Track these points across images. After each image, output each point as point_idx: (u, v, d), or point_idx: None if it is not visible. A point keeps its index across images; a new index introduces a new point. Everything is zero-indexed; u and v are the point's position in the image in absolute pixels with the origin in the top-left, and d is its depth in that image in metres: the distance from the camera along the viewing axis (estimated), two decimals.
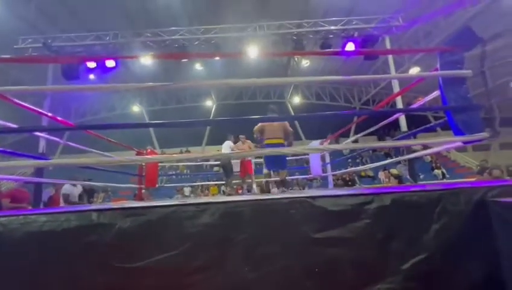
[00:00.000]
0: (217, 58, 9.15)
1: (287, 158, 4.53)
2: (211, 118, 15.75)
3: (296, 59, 13.26)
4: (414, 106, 3.44)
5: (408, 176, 4.95)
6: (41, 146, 6.56)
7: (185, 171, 13.71)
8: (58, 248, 1.13)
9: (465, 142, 1.81)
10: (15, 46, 7.98)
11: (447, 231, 1.16)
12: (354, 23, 8.20)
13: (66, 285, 1.10)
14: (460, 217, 1.17)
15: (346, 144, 4.17)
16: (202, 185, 11.51)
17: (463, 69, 1.89)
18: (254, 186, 4.36)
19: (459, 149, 15.00)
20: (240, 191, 4.18)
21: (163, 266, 1.13)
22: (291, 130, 4.00)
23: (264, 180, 5.12)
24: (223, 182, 11.30)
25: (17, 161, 1.99)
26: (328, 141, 6.08)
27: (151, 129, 16.30)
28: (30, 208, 4.62)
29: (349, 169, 6.35)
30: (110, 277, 1.12)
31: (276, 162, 3.91)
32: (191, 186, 11.52)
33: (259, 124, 3.94)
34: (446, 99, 1.84)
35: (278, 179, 4.30)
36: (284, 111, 16.86)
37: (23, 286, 1.10)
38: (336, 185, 9.72)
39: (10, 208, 4.12)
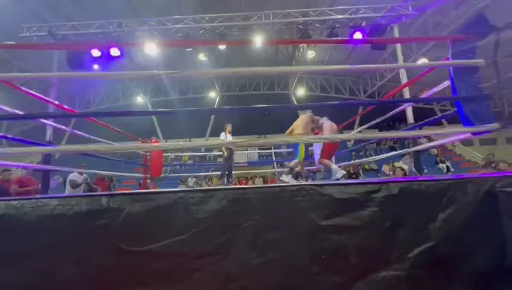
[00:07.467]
0: (222, 47, 8.99)
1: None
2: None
3: (301, 50, 13.03)
4: (423, 96, 3.39)
5: (413, 168, 4.91)
6: (48, 134, 6.62)
7: (189, 161, 13.79)
8: (69, 230, 1.16)
9: (474, 133, 1.78)
10: (20, 35, 7.92)
11: (454, 220, 1.16)
12: (361, 12, 7.99)
13: (76, 266, 1.13)
14: (468, 207, 1.17)
15: (351, 134, 4.12)
16: (206, 176, 11.60)
17: (475, 59, 1.85)
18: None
19: (465, 143, 14.83)
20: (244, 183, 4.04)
21: (170, 250, 1.15)
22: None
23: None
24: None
25: (27, 147, 2.01)
26: None
27: (155, 120, 16.32)
28: (36, 193, 4.70)
29: (354, 161, 6.34)
30: (118, 259, 1.14)
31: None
32: (195, 177, 11.62)
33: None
34: (457, 89, 1.81)
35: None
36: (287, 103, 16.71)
37: (35, 266, 1.13)
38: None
39: (18, 192, 4.22)
